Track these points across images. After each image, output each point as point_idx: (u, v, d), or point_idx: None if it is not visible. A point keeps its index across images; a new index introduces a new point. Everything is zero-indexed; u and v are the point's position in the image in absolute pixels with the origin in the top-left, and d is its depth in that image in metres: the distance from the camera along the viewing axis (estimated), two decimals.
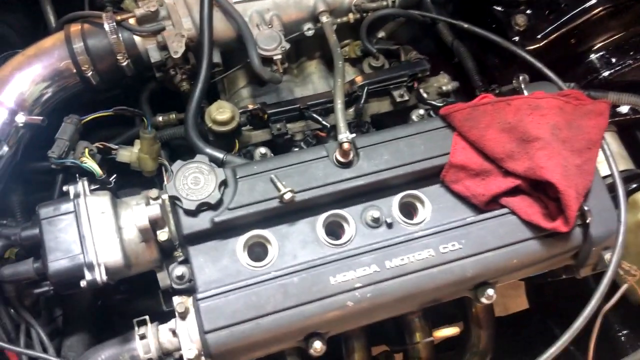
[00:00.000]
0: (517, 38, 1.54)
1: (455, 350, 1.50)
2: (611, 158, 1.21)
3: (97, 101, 1.44)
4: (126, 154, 1.31)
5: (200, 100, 1.28)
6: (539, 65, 1.34)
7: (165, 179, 1.31)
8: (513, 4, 1.52)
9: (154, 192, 1.16)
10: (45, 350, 1.19)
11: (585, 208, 1.14)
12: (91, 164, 1.20)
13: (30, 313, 1.23)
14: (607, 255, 1.19)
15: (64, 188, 1.15)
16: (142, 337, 1.17)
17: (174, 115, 1.42)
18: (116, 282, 1.17)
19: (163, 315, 1.21)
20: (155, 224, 1.12)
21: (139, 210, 1.11)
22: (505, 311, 2.07)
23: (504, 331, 1.59)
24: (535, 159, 1.12)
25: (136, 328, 1.18)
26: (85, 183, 1.15)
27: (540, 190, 1.16)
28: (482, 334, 1.40)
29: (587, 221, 1.15)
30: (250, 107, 1.32)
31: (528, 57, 1.37)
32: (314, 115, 1.34)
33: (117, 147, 1.32)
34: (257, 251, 1.16)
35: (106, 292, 1.36)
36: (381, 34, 1.57)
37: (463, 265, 1.13)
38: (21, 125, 1.25)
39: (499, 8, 1.55)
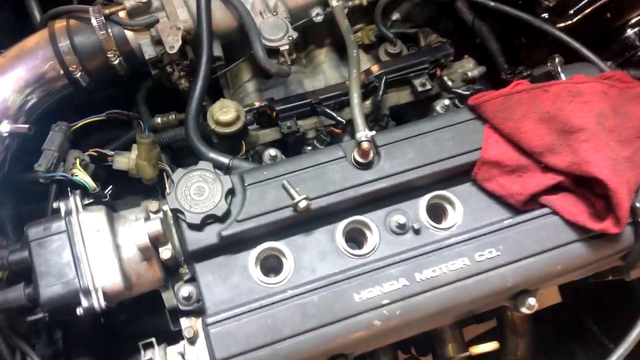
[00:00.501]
0: (545, 15, 1.41)
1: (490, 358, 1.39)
2: None
3: (92, 102, 1.33)
4: (123, 161, 1.20)
5: (201, 99, 1.16)
6: (575, 44, 1.21)
7: (167, 186, 1.20)
8: None
9: (153, 205, 1.04)
10: None
11: (637, 205, 1.02)
12: (83, 177, 1.09)
13: (26, 340, 1.12)
14: None
15: (54, 205, 1.04)
16: None
17: (173, 116, 1.31)
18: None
19: (171, 335, 1.12)
20: (157, 241, 1.01)
21: (138, 227, 1.00)
22: None
23: (535, 328, 1.48)
24: (579, 152, 1.00)
25: (142, 352, 1.08)
26: (78, 198, 1.04)
27: (585, 186, 1.03)
28: (520, 342, 1.29)
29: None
30: (257, 104, 1.20)
31: (562, 35, 1.24)
32: (327, 110, 1.21)
33: (113, 153, 1.21)
34: (271, 265, 1.06)
35: (109, 313, 1.26)
36: (395, 16, 1.44)
37: (502, 274, 1.01)
38: (6, 134, 1.14)
39: None
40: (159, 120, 1.30)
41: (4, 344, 1.13)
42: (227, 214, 1.02)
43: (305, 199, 1.01)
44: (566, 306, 1.92)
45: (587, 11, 1.37)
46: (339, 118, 1.21)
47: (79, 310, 0.98)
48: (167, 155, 1.33)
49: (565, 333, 1.85)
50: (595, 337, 1.72)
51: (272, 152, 1.16)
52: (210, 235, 1.02)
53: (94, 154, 1.18)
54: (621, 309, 1.57)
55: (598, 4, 1.37)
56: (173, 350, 1.08)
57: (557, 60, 1.16)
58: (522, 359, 1.32)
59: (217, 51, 1.23)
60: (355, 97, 1.07)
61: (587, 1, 1.37)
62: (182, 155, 1.38)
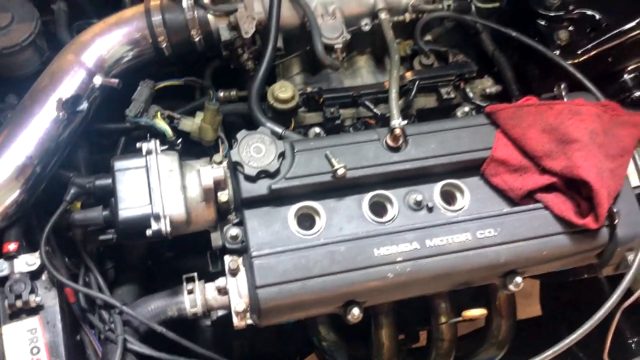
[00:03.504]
0: (557, 52, 1.63)
1: (474, 339, 1.58)
2: None
3: (162, 74, 1.54)
4: (188, 123, 1.41)
5: (264, 78, 1.38)
6: (580, 76, 1.43)
7: (220, 150, 1.41)
8: (557, 19, 1.61)
9: (218, 157, 1.26)
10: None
11: (614, 209, 1.21)
12: (163, 126, 1.30)
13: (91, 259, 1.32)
14: (630, 257, 1.27)
15: (137, 145, 1.25)
16: (190, 292, 1.27)
17: (234, 92, 1.52)
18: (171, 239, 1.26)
19: (207, 276, 1.30)
20: (218, 185, 1.21)
21: (205, 171, 1.20)
22: None
23: (516, 336, 1.65)
24: (573, 158, 1.21)
25: (185, 283, 1.27)
26: (157, 142, 1.25)
27: (574, 188, 1.24)
28: (503, 323, 1.48)
29: (615, 222, 1.22)
30: (309, 89, 1.42)
31: (571, 69, 1.46)
32: (367, 102, 1.43)
33: (179, 116, 1.42)
34: (305, 223, 1.23)
35: (158, 249, 1.45)
36: (428, 37, 1.66)
37: (497, 251, 1.20)
38: (97, 87, 1.35)
39: (543, 23, 1.63)
40: (221, 94, 1.51)
41: (62, 263, 1.32)
42: (277, 171, 1.21)
43: (343, 167, 1.21)
44: (545, 319, 2.11)
45: (592, 53, 1.59)
46: (375, 111, 1.42)
47: (148, 232, 1.17)
48: (221, 128, 1.55)
49: (541, 342, 2.03)
50: (568, 347, 1.91)
51: (317, 129, 1.38)
52: (261, 187, 1.20)
53: (166, 113, 1.39)
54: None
55: (603, 47, 1.58)
56: (211, 285, 1.27)
57: (562, 86, 1.38)
58: (503, 341, 1.51)
59: (280, 43, 1.45)
60: (393, 91, 1.29)
61: (593, 44, 1.58)
62: (232, 129, 1.59)
